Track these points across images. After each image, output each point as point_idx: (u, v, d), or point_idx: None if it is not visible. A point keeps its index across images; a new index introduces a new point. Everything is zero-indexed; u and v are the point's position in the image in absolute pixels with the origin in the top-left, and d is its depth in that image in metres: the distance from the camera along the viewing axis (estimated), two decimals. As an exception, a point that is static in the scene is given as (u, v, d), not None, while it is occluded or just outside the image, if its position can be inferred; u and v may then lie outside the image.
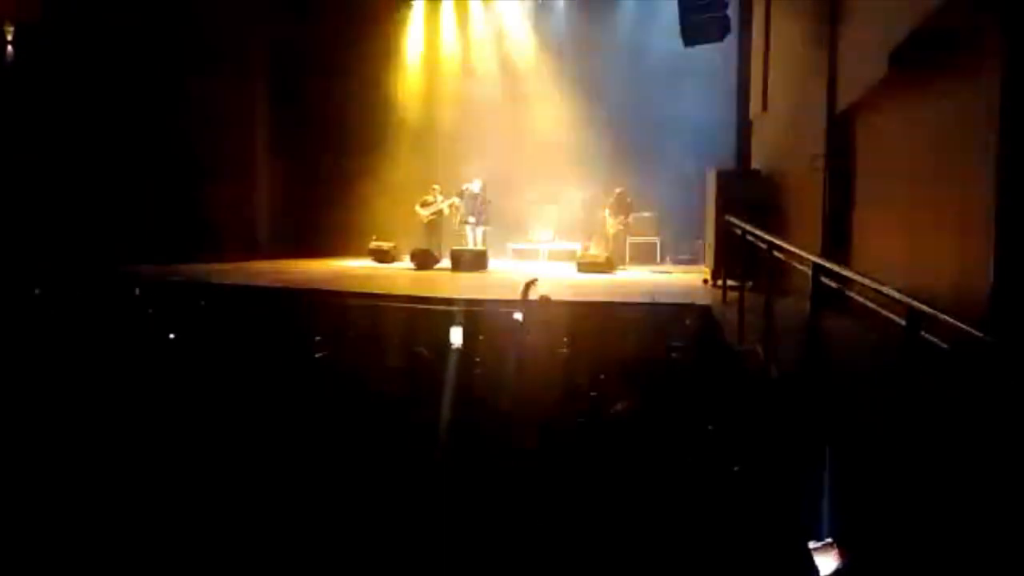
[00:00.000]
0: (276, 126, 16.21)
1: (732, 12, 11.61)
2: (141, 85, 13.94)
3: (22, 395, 5.08)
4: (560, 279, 11.60)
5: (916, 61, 5.70)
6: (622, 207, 13.82)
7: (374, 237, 15.13)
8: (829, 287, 4.49)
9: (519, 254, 15.38)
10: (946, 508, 2.86)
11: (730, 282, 7.95)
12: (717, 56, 13.10)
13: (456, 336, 7.16)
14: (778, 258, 5.75)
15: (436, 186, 14.80)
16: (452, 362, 6.43)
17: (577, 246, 14.75)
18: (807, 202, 8.49)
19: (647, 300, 7.92)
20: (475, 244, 14.28)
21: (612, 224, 13.92)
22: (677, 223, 14.69)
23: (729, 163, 12.01)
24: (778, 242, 5.86)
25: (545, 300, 7.85)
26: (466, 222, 14.42)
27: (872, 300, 3.97)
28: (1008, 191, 4.40)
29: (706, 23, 10.81)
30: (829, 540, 3.02)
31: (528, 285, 7.83)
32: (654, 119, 14.61)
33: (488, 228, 14.46)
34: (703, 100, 14.12)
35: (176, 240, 13.87)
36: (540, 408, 5.01)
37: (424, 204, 14.72)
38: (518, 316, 7.60)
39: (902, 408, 3.27)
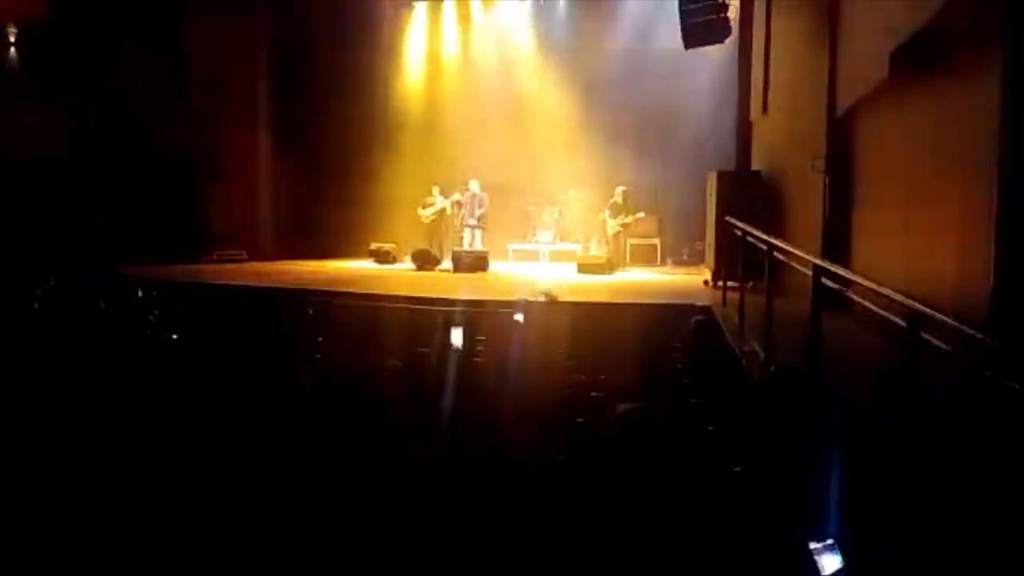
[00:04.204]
0: (277, 127, 16.24)
1: (732, 13, 11.64)
2: (142, 86, 13.96)
3: (23, 396, 5.09)
4: (560, 280, 11.62)
5: (917, 62, 5.70)
6: (623, 208, 13.82)
7: (374, 239, 15.17)
8: (829, 288, 4.49)
9: (520, 255, 15.39)
10: (947, 508, 2.86)
11: (730, 283, 7.96)
12: (717, 57, 13.13)
13: (456, 337, 7.17)
14: (778, 259, 5.76)
15: (436, 187, 14.81)
16: (452, 363, 6.43)
17: (577, 247, 14.77)
18: (807, 203, 8.49)
19: (641, 302, 7.96)
20: (472, 245, 14.29)
21: (612, 225, 13.92)
22: (677, 224, 14.70)
23: (729, 164, 12.01)
24: (778, 243, 5.86)
25: (551, 298, 7.92)
26: (466, 224, 14.44)
27: (872, 301, 3.98)
28: (1008, 191, 4.40)
29: (706, 25, 10.82)
30: (830, 540, 3.02)
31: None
32: (655, 121, 14.62)
33: (486, 229, 14.46)
34: (703, 101, 14.13)
35: (178, 241, 13.90)
36: (541, 409, 5.01)
37: (425, 205, 14.74)
38: (518, 317, 7.62)
39: (903, 409, 3.27)
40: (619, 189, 13.87)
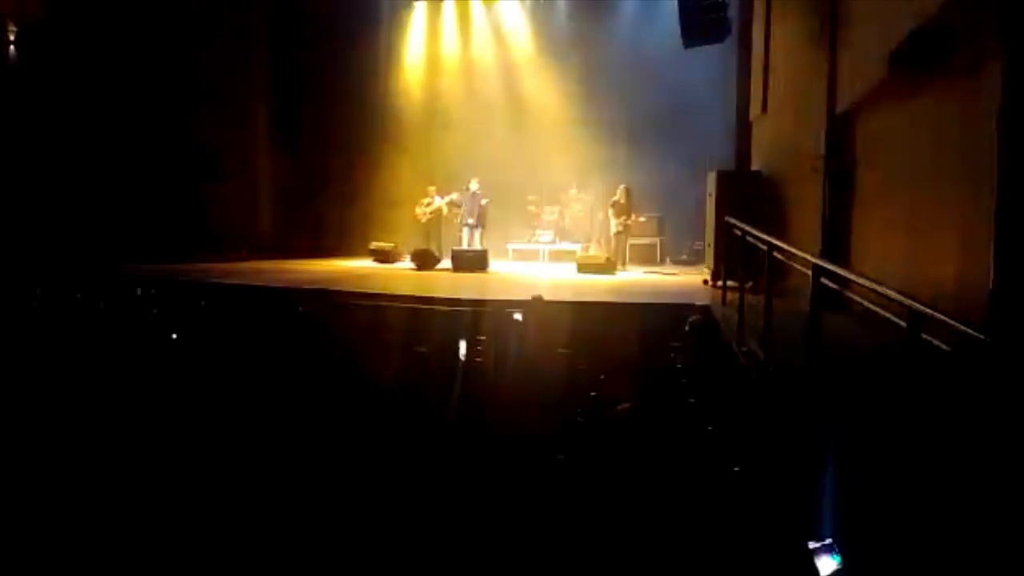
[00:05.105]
0: (277, 126, 16.24)
1: (732, 13, 11.64)
2: (142, 86, 13.96)
3: (24, 394, 5.08)
4: (560, 280, 11.62)
5: (916, 62, 5.70)
6: (625, 207, 13.82)
7: (375, 238, 15.18)
8: (829, 288, 4.49)
9: (520, 255, 15.39)
10: (946, 508, 2.86)
11: (730, 283, 7.95)
12: (717, 57, 13.13)
13: (456, 337, 7.17)
14: (778, 259, 5.75)
15: (432, 187, 14.83)
16: (453, 362, 6.43)
17: (577, 247, 14.76)
18: (807, 203, 8.49)
19: (640, 302, 7.94)
20: (471, 244, 14.29)
21: (615, 224, 13.92)
22: (678, 224, 14.71)
23: (729, 164, 12.01)
24: (778, 243, 5.85)
25: (539, 300, 7.91)
26: (465, 223, 14.44)
27: (872, 301, 3.97)
28: (1008, 191, 4.40)
29: (706, 24, 10.83)
30: (829, 540, 3.02)
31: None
32: (655, 120, 14.63)
33: (485, 229, 14.46)
34: (703, 101, 14.13)
35: (178, 240, 13.89)
36: (541, 408, 5.02)
37: (422, 204, 14.75)
38: (518, 316, 7.62)
39: (902, 409, 3.27)
40: (621, 187, 13.85)
